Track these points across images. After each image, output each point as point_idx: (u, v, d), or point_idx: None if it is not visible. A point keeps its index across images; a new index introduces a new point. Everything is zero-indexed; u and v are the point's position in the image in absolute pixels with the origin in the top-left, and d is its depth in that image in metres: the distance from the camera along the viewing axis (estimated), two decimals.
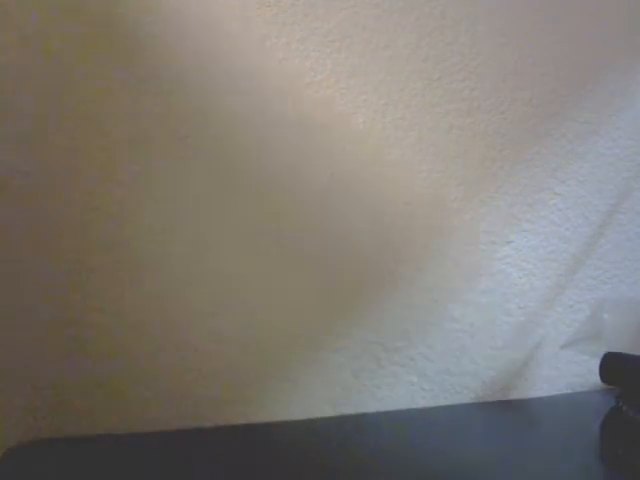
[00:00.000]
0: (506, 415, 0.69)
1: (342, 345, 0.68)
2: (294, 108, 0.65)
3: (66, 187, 0.63)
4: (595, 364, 0.69)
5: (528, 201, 0.74)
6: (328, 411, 0.67)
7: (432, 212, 0.71)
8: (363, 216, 0.68)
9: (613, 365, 0.67)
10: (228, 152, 0.65)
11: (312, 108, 0.65)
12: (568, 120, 0.75)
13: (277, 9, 0.64)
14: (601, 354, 0.68)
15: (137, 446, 0.59)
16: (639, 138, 0.78)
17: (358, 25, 0.66)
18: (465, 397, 0.72)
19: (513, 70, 0.71)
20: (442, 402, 0.71)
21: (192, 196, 0.65)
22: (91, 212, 0.63)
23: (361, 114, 0.67)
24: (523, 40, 0.71)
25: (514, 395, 0.73)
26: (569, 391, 0.74)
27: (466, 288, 0.72)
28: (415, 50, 0.68)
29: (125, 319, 0.64)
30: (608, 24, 0.77)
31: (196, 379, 0.66)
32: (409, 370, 0.70)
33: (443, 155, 0.70)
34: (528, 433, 0.61)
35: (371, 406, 0.68)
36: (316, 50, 0.65)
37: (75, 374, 0.63)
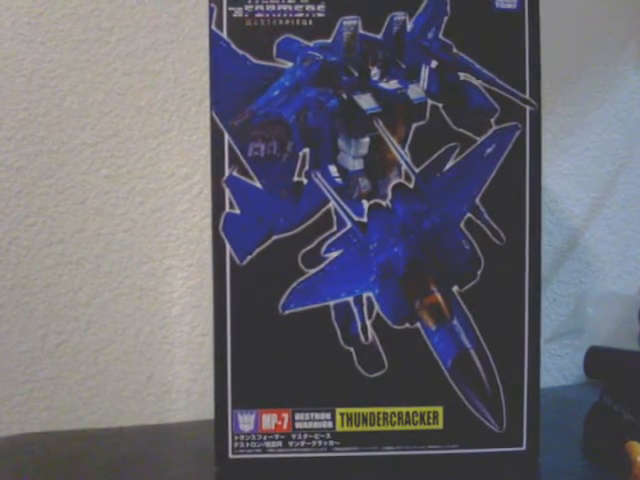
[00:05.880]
0: None
1: None
2: None
3: (52, 181, 0.63)
4: (579, 358, 0.69)
5: None
6: None
7: None
8: None
9: (597, 359, 0.67)
10: None
11: None
12: (552, 114, 0.75)
13: None
14: (585, 348, 0.68)
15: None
16: (623, 131, 0.78)
17: None
18: None
19: None
20: None
21: None
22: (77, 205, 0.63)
23: None
24: None
25: None
26: (553, 385, 0.74)
27: None
28: None
29: (110, 313, 0.64)
30: (590, 17, 0.77)
31: (181, 374, 0.65)
32: None
33: None
34: None
35: None
36: None
37: (60, 369, 0.63)
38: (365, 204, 0.49)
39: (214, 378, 0.49)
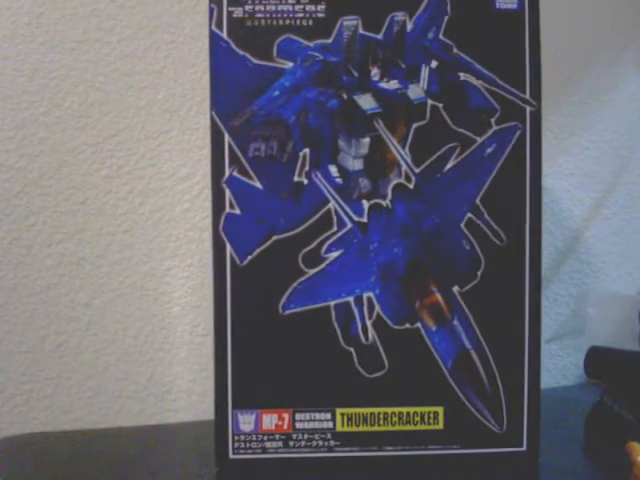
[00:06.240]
0: None
1: None
2: None
3: (53, 181, 0.63)
4: (580, 358, 0.69)
5: None
6: None
7: None
8: None
9: (598, 359, 0.67)
10: None
11: None
12: (553, 114, 0.75)
13: None
14: (586, 348, 0.68)
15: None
16: (624, 132, 0.78)
17: None
18: None
19: None
20: None
21: None
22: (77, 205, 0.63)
23: None
24: None
25: None
26: (553, 385, 0.74)
27: None
28: None
29: (110, 313, 0.64)
30: (591, 18, 0.77)
31: (181, 374, 0.65)
32: None
33: None
34: None
35: None
36: None
37: (60, 369, 0.63)
38: (365, 204, 0.49)
39: (214, 378, 0.49)
